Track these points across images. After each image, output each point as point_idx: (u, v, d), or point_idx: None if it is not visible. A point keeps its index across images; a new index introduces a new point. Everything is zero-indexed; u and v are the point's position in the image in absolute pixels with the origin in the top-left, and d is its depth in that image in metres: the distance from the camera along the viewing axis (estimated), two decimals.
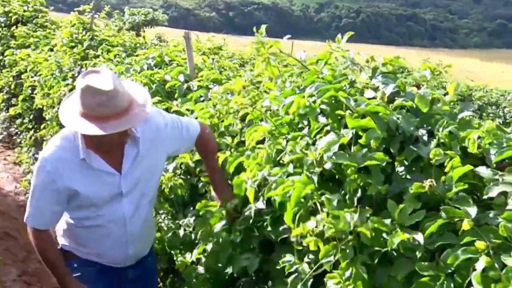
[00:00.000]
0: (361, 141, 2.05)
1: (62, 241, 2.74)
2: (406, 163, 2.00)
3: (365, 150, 2.04)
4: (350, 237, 1.89)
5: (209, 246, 2.62)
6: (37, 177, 2.53)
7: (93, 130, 2.34)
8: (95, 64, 4.91)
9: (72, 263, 2.70)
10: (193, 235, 2.87)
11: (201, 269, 2.73)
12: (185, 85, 3.58)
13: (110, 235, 2.63)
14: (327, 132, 2.16)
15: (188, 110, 3.20)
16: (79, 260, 2.70)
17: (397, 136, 2.06)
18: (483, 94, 16.00)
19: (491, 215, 1.77)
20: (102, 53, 5.28)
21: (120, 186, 2.57)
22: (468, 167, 1.83)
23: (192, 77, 3.60)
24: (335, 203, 1.99)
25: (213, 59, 4.38)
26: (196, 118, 3.01)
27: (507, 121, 13.44)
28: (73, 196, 2.52)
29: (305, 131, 2.28)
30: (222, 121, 2.94)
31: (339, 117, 2.16)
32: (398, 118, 2.06)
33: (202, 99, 3.28)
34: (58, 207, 2.56)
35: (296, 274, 2.08)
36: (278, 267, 2.17)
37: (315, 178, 2.07)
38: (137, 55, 4.60)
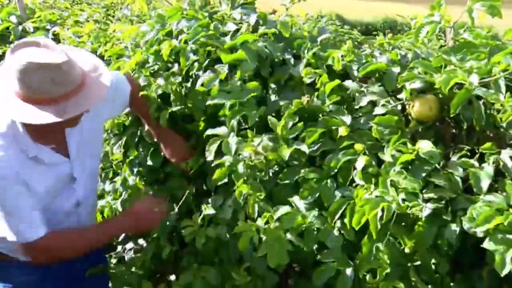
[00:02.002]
0: (237, 75, 2.15)
1: None
2: (278, 84, 2.15)
3: (239, 82, 2.15)
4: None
5: None
6: None
7: (48, 117, 1.85)
8: None
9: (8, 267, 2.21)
10: None
11: None
12: (20, 27, 3.30)
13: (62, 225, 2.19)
14: (200, 68, 2.23)
15: None
16: (18, 264, 2.19)
17: (266, 61, 2.19)
18: None
19: (362, 121, 2.00)
20: None
21: (72, 172, 2.17)
22: (337, 82, 2.04)
23: (23, 18, 3.34)
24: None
25: None
26: None
27: None
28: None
29: (175, 67, 2.32)
30: None
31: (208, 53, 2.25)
32: (265, 46, 2.19)
33: None
34: (38, 205, 2.07)
35: None
36: None
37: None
38: None
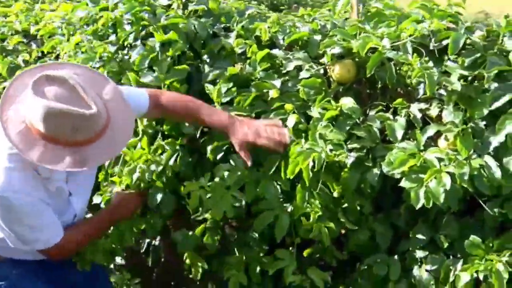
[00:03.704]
0: (169, 53, 2.30)
1: None
2: (211, 55, 2.35)
3: (170, 60, 2.31)
4: None
5: None
6: (17, 214, 1.88)
7: (67, 164, 1.75)
8: None
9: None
10: None
11: None
12: None
13: None
14: (136, 39, 2.40)
15: None
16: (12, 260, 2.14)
17: (198, 35, 2.37)
18: None
19: (289, 84, 2.22)
20: None
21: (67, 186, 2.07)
22: (266, 51, 2.25)
23: None
24: None
25: None
26: None
27: None
28: None
29: (112, 37, 2.46)
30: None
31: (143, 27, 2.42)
32: (194, 25, 2.38)
33: None
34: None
35: None
36: None
37: None
38: None
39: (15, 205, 1.85)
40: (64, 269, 2.22)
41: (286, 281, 2.15)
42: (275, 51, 2.27)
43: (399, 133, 1.97)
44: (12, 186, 1.83)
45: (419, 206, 1.81)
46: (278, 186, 2.12)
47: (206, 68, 2.33)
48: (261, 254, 2.26)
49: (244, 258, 2.27)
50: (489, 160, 1.82)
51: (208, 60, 2.34)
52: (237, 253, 2.30)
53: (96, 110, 1.73)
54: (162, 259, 2.77)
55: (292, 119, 2.12)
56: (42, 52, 2.88)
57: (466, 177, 1.78)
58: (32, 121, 1.73)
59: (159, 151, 2.32)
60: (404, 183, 1.86)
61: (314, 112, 2.08)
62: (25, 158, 1.75)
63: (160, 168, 2.28)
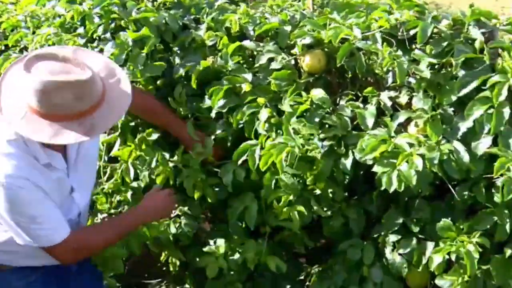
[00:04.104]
0: (144, 50, 2.29)
1: None
2: (182, 47, 2.35)
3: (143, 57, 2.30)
4: None
5: None
6: (17, 202, 1.83)
7: (75, 136, 1.74)
8: None
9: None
10: None
11: None
12: None
13: None
14: (105, 31, 2.38)
15: None
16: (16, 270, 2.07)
17: (168, 28, 2.37)
18: None
19: (261, 77, 2.25)
20: None
21: (70, 182, 2.03)
22: (238, 43, 2.26)
23: None
24: None
25: None
26: None
27: None
28: None
29: (81, 30, 2.44)
30: None
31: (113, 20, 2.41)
32: (165, 18, 2.38)
33: None
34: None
35: None
36: None
37: None
38: None
39: (15, 193, 1.81)
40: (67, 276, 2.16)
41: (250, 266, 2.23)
42: (246, 43, 2.29)
43: (370, 121, 2.01)
44: (11, 173, 1.80)
45: (392, 189, 1.86)
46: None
47: (177, 61, 2.33)
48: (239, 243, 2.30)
49: (222, 246, 2.30)
50: (457, 145, 1.88)
51: (179, 53, 2.35)
52: (213, 243, 2.32)
53: (91, 74, 1.74)
54: None
55: (264, 113, 2.14)
56: (6, 45, 2.83)
57: (436, 162, 1.83)
58: (32, 104, 1.73)
59: (143, 145, 2.32)
60: (376, 168, 1.90)
61: (286, 106, 2.11)
62: (27, 143, 1.79)
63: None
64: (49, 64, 1.74)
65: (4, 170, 1.80)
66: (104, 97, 1.81)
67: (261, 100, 2.18)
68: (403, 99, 2.04)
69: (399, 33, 2.04)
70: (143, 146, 2.32)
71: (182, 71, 2.29)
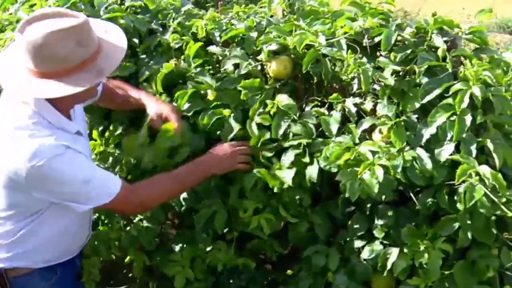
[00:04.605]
0: None
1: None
2: (148, 51, 2.34)
3: None
4: None
5: None
6: (64, 171, 1.79)
7: (90, 79, 1.76)
8: None
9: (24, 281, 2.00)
10: None
11: None
12: None
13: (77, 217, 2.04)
14: None
15: None
16: (31, 275, 2.01)
17: (136, 31, 2.36)
18: None
19: (227, 83, 2.24)
20: None
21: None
22: (200, 44, 2.27)
23: None
24: None
25: None
26: None
27: None
28: None
29: None
30: None
31: None
32: (132, 21, 2.37)
33: None
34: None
35: None
36: None
37: None
38: None
39: (56, 167, 1.76)
40: None
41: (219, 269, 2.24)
42: (212, 48, 2.28)
43: (334, 128, 2.02)
44: (52, 144, 1.76)
45: (354, 198, 1.87)
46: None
47: (143, 65, 2.31)
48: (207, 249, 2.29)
49: (189, 253, 2.29)
50: (421, 152, 1.90)
51: (145, 56, 2.33)
52: (180, 250, 2.31)
53: (85, 16, 1.76)
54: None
55: (236, 127, 2.16)
56: None
57: (399, 169, 1.85)
58: (34, 66, 1.73)
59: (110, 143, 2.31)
60: (339, 177, 1.91)
61: (254, 126, 2.13)
62: (48, 119, 1.80)
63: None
64: (42, 22, 1.73)
65: (43, 147, 1.75)
66: (100, 43, 1.82)
67: (226, 112, 2.17)
68: (368, 105, 2.05)
69: (364, 40, 2.06)
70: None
71: (147, 74, 2.27)
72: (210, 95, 2.19)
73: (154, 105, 2.17)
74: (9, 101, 1.87)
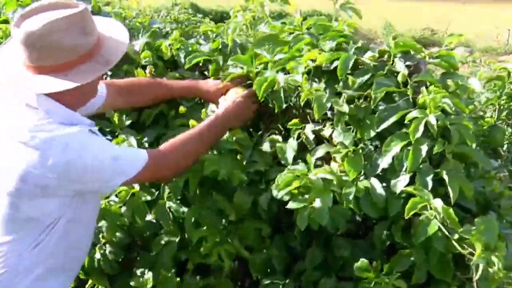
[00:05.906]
0: None
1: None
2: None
3: None
4: None
5: None
6: (94, 153, 1.73)
7: (98, 69, 1.70)
8: None
9: None
10: None
11: None
12: None
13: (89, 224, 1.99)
14: None
15: None
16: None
17: None
18: None
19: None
20: None
21: None
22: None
23: None
24: None
25: None
26: None
27: None
28: None
29: None
30: None
31: None
32: None
33: None
34: None
35: None
36: None
37: None
38: None
39: (87, 152, 1.70)
40: None
41: None
42: (178, 72, 2.26)
43: (290, 155, 1.96)
44: (73, 140, 1.68)
45: (303, 227, 1.79)
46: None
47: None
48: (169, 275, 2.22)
49: (150, 281, 2.23)
50: (375, 182, 1.81)
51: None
52: (141, 274, 2.26)
53: (85, 5, 1.68)
54: None
55: None
56: None
57: (351, 197, 1.76)
58: (35, 62, 1.64)
59: None
60: (291, 205, 1.83)
61: None
62: (60, 118, 1.69)
63: None
64: (40, 15, 1.64)
65: (71, 136, 1.68)
66: (102, 32, 1.76)
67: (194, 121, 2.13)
68: (326, 132, 1.97)
69: (324, 65, 1.98)
70: None
71: None
72: (180, 109, 2.21)
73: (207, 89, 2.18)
74: (8, 104, 1.75)
